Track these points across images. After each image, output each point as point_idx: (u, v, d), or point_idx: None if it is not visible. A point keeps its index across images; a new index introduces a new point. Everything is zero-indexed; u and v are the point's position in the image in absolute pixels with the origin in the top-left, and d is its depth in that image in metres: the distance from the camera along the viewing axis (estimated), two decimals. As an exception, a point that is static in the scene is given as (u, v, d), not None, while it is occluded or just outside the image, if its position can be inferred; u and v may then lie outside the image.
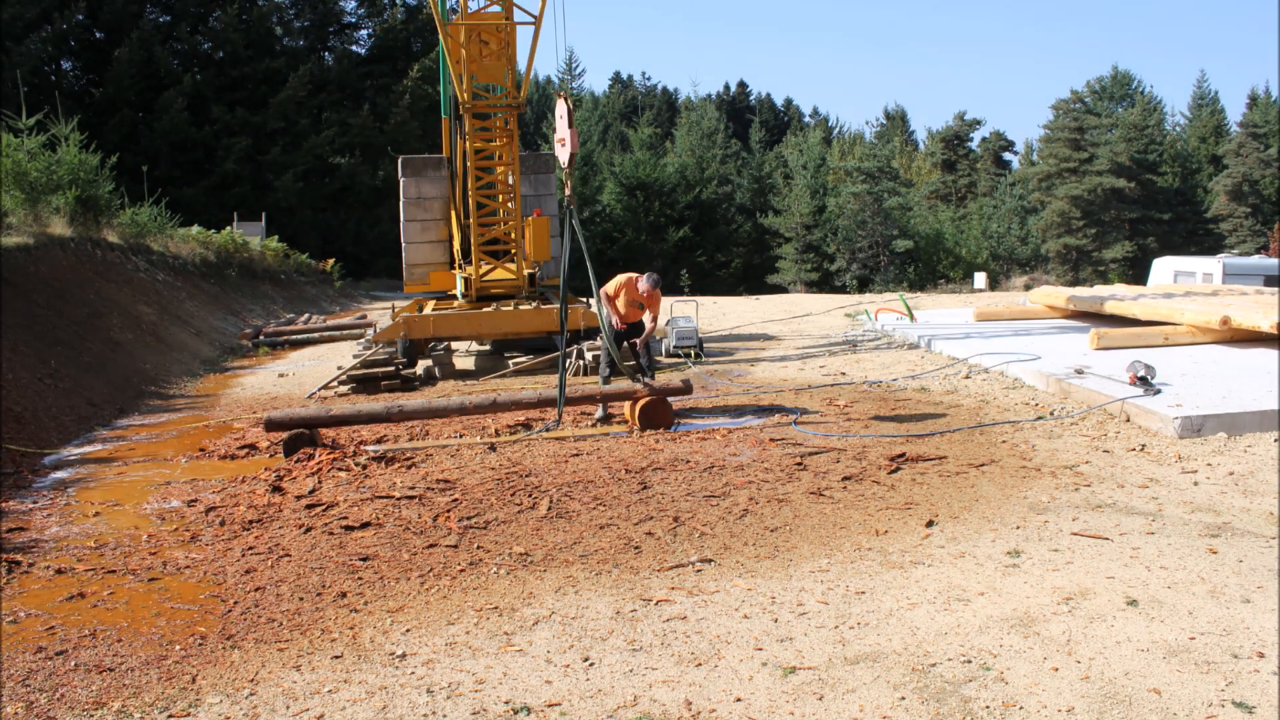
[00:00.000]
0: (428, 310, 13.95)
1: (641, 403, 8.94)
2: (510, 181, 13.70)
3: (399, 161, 15.57)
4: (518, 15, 13.10)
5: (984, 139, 60.93)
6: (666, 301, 21.68)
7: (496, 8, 13.02)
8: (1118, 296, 13.80)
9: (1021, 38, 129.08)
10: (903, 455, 7.47)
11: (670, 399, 9.11)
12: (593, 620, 4.63)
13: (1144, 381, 8.64)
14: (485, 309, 13.58)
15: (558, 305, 14.11)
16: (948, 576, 4.97)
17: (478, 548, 5.78)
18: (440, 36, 13.42)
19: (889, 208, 43.42)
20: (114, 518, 6.83)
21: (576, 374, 12.59)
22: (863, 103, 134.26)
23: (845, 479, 6.90)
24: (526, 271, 14.10)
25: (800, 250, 44.85)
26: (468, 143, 13.45)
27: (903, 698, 3.75)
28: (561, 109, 9.36)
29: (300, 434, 8.43)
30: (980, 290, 31.23)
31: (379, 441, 8.91)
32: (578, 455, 7.96)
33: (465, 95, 13.05)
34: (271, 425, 8.44)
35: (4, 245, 13.46)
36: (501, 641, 4.44)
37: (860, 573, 5.09)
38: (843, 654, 4.15)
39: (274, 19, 40.84)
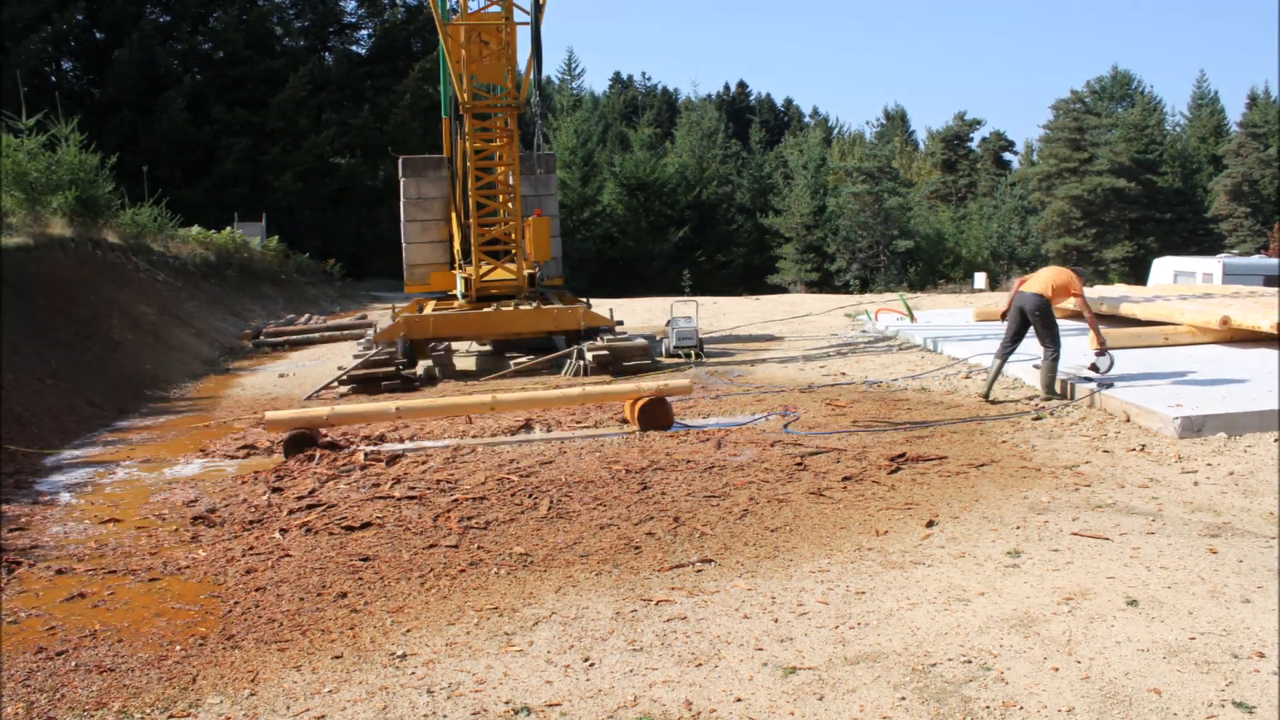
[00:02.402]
0: (428, 310, 13.95)
1: (642, 402, 8.94)
2: (510, 181, 13.70)
3: (399, 162, 15.58)
4: (517, 15, 13.13)
5: (984, 139, 60.97)
6: (666, 301, 21.65)
7: (496, 8, 13.03)
8: (1131, 299, 13.68)
9: (1021, 38, 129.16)
10: (903, 455, 7.47)
11: (671, 399, 9.11)
12: (593, 620, 4.63)
13: (1095, 370, 9.30)
14: (485, 309, 13.58)
15: (558, 305, 14.19)
16: (948, 576, 4.97)
17: (478, 548, 5.78)
18: (440, 37, 13.44)
19: (889, 208, 43.42)
20: (114, 518, 6.83)
21: (577, 374, 12.59)
22: (863, 103, 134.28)
23: (845, 479, 6.89)
24: (526, 271, 14.10)
25: (800, 250, 44.84)
26: (467, 143, 13.46)
27: (903, 698, 3.75)
28: None
29: (300, 434, 8.44)
30: (980, 290, 31.21)
31: (379, 441, 8.91)
32: (578, 455, 7.97)
33: (465, 95, 13.06)
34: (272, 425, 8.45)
35: (4, 245, 13.46)
36: (502, 642, 4.44)
37: (860, 573, 5.09)
38: (843, 654, 4.15)
39: (274, 19, 40.82)
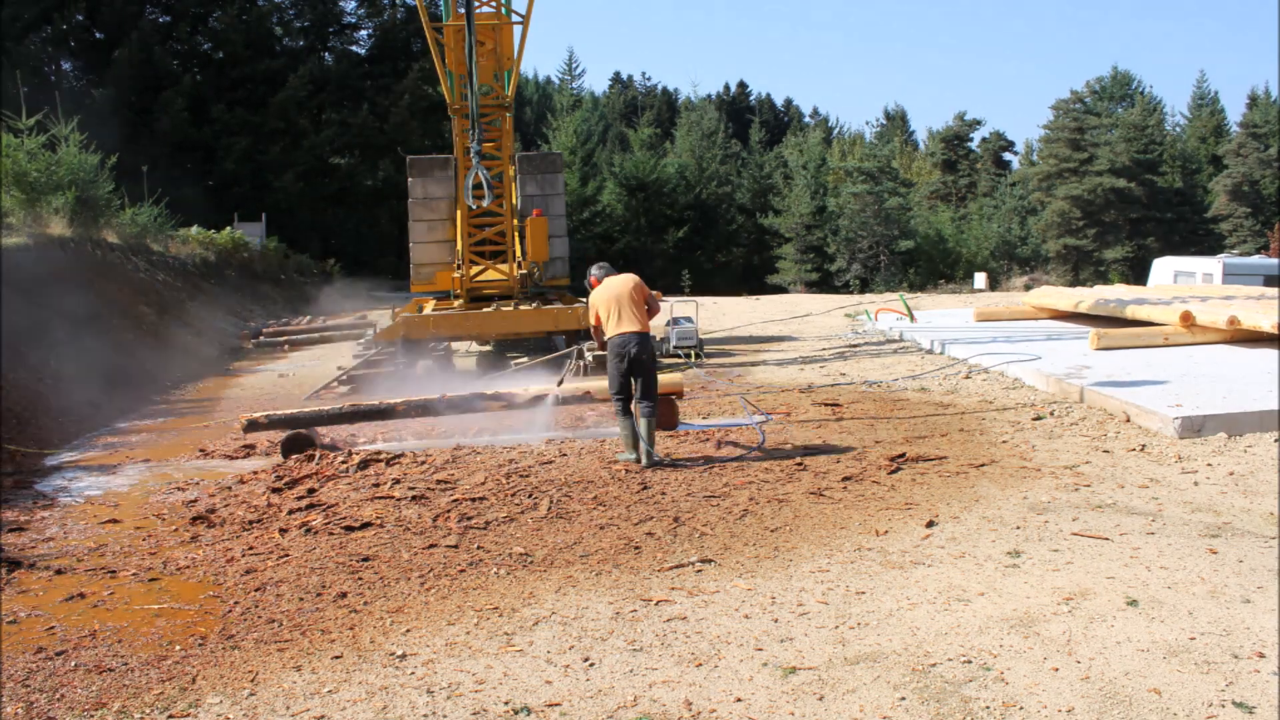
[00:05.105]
0: (427, 310, 13.96)
1: None
2: (501, 181, 13.73)
3: (406, 161, 15.59)
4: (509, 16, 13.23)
5: (984, 139, 60.90)
6: (665, 302, 21.66)
7: (489, 8, 13.06)
8: (1146, 300, 13.60)
9: (1021, 38, 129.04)
10: (903, 455, 7.47)
11: (674, 399, 9.12)
12: (593, 620, 4.63)
13: None
14: (485, 309, 13.59)
15: (558, 305, 14.19)
16: (948, 576, 4.97)
17: (478, 548, 5.77)
18: (429, 43, 13.47)
19: (889, 208, 43.39)
20: (114, 518, 6.83)
21: (576, 374, 12.58)
22: (863, 103, 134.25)
23: (845, 479, 6.89)
24: (521, 272, 14.12)
25: (800, 250, 44.82)
26: (458, 143, 13.50)
27: (903, 698, 3.74)
28: None
29: (299, 434, 8.44)
30: (980, 290, 31.26)
31: (380, 441, 8.91)
32: (578, 455, 7.96)
33: (454, 96, 13.16)
34: (253, 427, 8.46)
35: (4, 245, 13.46)
36: (501, 642, 4.44)
37: (860, 573, 5.09)
38: (843, 654, 4.15)
39: (274, 19, 40.84)
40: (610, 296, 7.69)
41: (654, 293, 7.88)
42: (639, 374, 7.56)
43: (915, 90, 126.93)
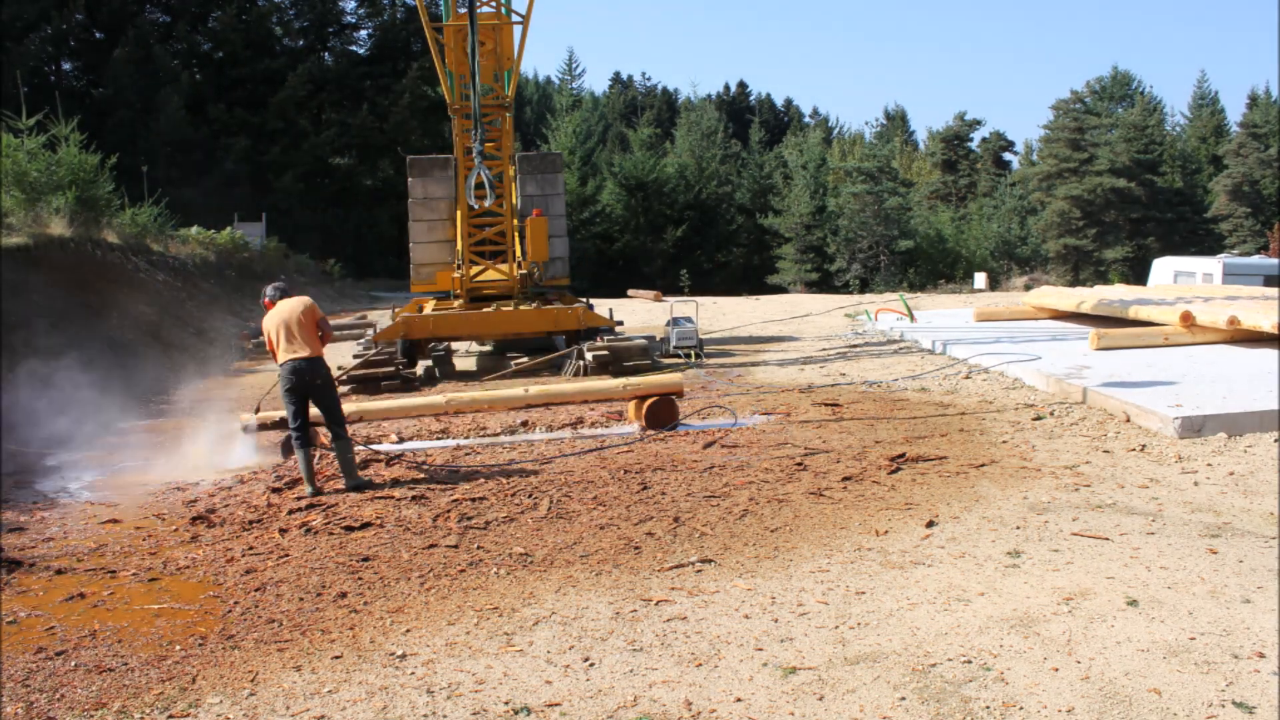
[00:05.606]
0: (428, 310, 13.96)
1: (649, 401, 8.94)
2: (501, 181, 13.73)
3: (406, 161, 15.58)
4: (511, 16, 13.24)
5: (984, 139, 60.90)
6: (665, 302, 21.62)
7: (489, 8, 13.06)
8: (1146, 300, 13.58)
9: (1021, 38, 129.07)
10: (903, 455, 7.47)
11: (674, 399, 9.11)
12: (593, 620, 4.63)
13: None
14: (485, 309, 13.58)
15: (558, 305, 14.20)
16: (948, 576, 4.97)
17: (478, 548, 5.78)
18: (429, 43, 13.47)
19: (889, 208, 43.38)
20: (114, 518, 6.83)
21: (577, 374, 12.59)
22: (863, 103, 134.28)
23: (845, 479, 6.89)
24: (521, 271, 14.12)
25: (800, 250, 44.80)
26: (458, 143, 13.50)
27: (903, 698, 3.74)
28: None
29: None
30: (980, 290, 31.27)
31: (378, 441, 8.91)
32: (577, 455, 7.96)
33: (454, 96, 13.16)
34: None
35: (4, 245, 13.46)
36: (501, 641, 4.44)
37: (860, 573, 5.09)
38: (843, 654, 4.15)
39: (273, 19, 40.87)
40: (279, 321, 7.31)
41: (325, 316, 7.52)
42: (317, 399, 7.30)
43: (915, 90, 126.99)
